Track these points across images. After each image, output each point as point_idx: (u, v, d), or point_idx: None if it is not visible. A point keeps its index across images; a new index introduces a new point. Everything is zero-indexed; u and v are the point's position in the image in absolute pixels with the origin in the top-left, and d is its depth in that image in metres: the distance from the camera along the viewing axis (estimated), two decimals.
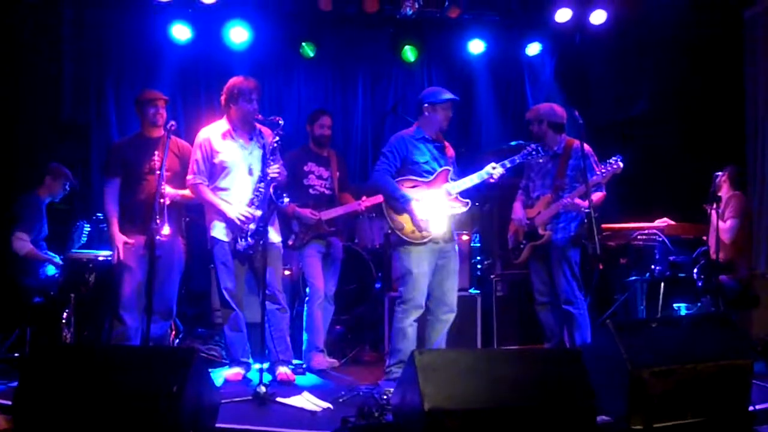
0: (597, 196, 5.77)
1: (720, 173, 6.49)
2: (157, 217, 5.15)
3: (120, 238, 5.64)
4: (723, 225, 6.38)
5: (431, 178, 5.63)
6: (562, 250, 5.83)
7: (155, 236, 5.13)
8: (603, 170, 5.67)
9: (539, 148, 5.65)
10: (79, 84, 7.77)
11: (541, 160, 5.79)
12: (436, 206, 5.56)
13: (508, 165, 5.59)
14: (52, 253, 6.34)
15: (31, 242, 6.17)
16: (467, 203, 5.63)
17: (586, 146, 5.76)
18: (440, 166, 5.67)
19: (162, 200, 5.20)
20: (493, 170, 5.53)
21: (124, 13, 7.77)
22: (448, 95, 5.67)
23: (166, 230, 5.18)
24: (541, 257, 5.98)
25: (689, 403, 4.24)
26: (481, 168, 5.58)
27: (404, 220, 5.55)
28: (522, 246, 6.04)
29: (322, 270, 6.41)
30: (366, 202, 6.44)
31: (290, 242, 6.28)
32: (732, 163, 6.61)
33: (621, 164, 5.65)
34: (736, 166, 6.58)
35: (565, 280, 5.79)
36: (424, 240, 5.52)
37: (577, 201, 5.72)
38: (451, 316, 5.69)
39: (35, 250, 6.18)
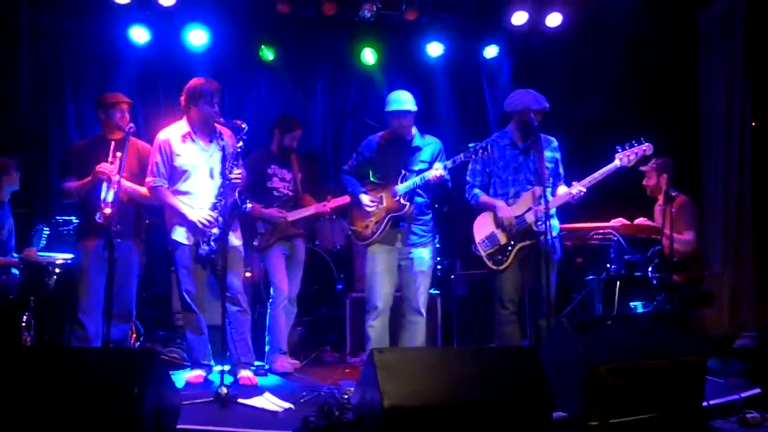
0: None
1: (646, 167, 6.53)
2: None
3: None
4: (681, 237, 6.35)
5: (384, 181, 5.77)
6: (553, 249, 5.42)
7: (114, 238, 5.09)
8: (628, 154, 5.39)
9: (487, 146, 5.45)
10: (37, 86, 7.67)
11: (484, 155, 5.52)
12: (381, 206, 5.68)
13: (450, 165, 5.53)
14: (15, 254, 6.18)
15: None
16: (408, 205, 5.62)
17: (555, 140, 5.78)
18: (395, 169, 5.74)
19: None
20: (435, 170, 5.49)
21: (82, 15, 7.69)
22: (391, 107, 5.69)
23: (107, 210, 5.22)
24: (526, 259, 5.56)
25: (645, 399, 4.32)
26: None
27: (357, 217, 5.80)
28: (510, 248, 5.52)
29: (286, 272, 6.42)
30: (332, 203, 6.45)
31: (255, 243, 6.28)
32: (677, 161, 6.65)
33: (650, 146, 5.43)
34: (665, 158, 6.55)
35: (551, 286, 5.33)
36: (368, 240, 5.67)
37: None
38: (418, 319, 5.72)
39: None
